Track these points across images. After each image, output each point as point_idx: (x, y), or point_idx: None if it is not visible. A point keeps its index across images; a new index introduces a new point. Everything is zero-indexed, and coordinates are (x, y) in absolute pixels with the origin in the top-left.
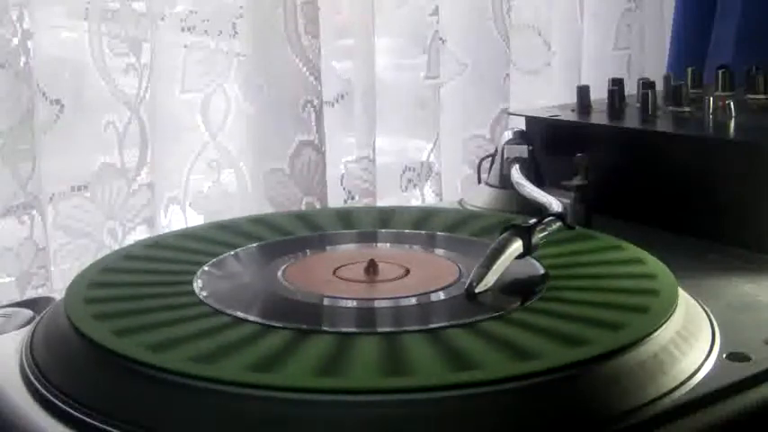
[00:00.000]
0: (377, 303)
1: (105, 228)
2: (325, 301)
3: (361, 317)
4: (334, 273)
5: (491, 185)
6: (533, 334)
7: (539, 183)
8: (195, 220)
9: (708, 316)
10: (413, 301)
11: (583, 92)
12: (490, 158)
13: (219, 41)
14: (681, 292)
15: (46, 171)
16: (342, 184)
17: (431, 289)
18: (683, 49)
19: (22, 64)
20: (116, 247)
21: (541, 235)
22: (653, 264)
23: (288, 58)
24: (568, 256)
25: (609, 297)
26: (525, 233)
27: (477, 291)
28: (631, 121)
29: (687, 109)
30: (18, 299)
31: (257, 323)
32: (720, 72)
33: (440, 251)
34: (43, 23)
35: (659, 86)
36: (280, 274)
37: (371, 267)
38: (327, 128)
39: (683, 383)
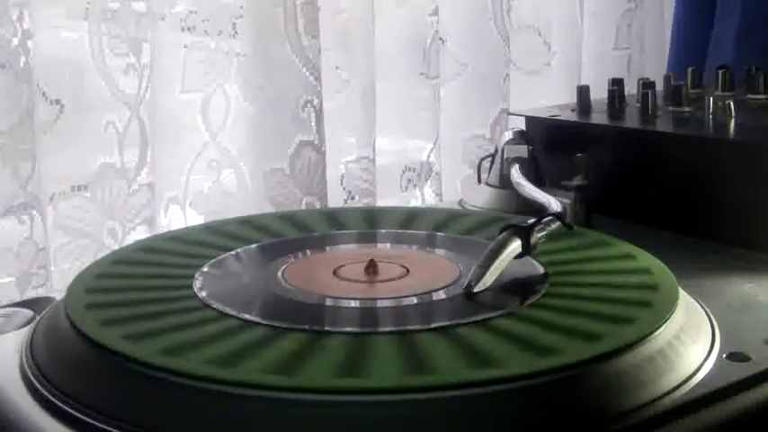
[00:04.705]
0: (377, 303)
1: (105, 228)
2: (328, 302)
3: (366, 317)
4: (334, 273)
5: (491, 185)
6: (533, 333)
7: (539, 183)
8: (195, 220)
9: (708, 316)
10: (414, 300)
11: (583, 92)
12: (490, 158)
13: (219, 41)
14: (681, 292)
15: (46, 171)
16: (342, 184)
17: (431, 288)
18: (682, 49)
19: (22, 64)
20: (116, 247)
21: (540, 235)
22: (653, 264)
23: (288, 58)
24: (568, 257)
25: (608, 298)
26: (524, 233)
27: (475, 290)
28: (631, 121)
29: (687, 109)
30: (18, 299)
31: (257, 324)
32: (720, 72)
33: (440, 251)
34: (43, 23)
35: (659, 86)
36: (279, 274)
37: (371, 267)
38: (327, 128)
39: (683, 383)
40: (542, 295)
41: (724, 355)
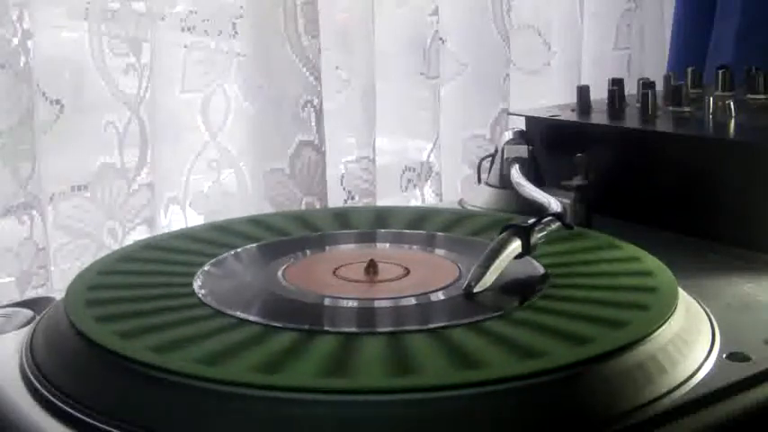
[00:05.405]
0: (377, 303)
1: (105, 228)
2: (326, 302)
3: (362, 317)
4: (334, 273)
5: (491, 185)
6: (533, 333)
7: (539, 183)
8: (195, 220)
9: (708, 316)
10: (413, 300)
11: (583, 92)
12: (490, 158)
13: (219, 41)
14: (681, 291)
15: (46, 171)
16: (342, 184)
17: (431, 289)
18: (682, 49)
19: (22, 64)
20: (116, 247)
21: (540, 235)
22: (653, 264)
23: (288, 58)
24: (568, 256)
25: (608, 298)
26: (524, 233)
27: (475, 290)
28: (631, 121)
29: (687, 109)
30: (18, 299)
31: (258, 324)
32: (720, 72)
33: (440, 251)
34: (43, 23)
35: (659, 86)
36: (280, 274)
37: (371, 267)
38: (327, 128)
39: (683, 383)
40: (542, 296)
41: (724, 355)
